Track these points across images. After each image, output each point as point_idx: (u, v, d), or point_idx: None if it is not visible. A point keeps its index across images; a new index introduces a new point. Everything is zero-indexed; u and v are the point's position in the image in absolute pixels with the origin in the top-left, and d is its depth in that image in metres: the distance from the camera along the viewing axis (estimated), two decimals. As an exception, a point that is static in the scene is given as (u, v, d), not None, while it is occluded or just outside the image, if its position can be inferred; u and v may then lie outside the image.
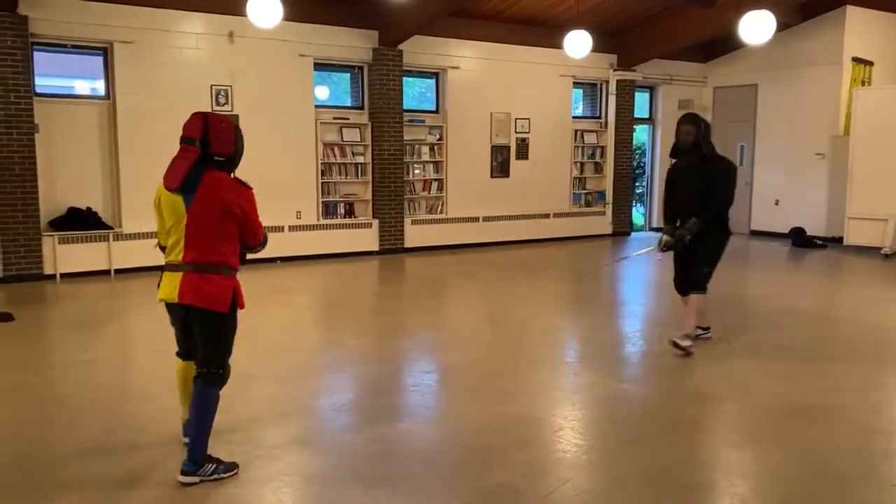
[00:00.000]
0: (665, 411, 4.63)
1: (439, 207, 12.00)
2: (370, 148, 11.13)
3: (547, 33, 12.10)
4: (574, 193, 13.45)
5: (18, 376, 5.26)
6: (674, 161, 6.01)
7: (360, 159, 11.14)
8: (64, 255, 8.99)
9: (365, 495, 3.42)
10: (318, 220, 10.87)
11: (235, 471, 3.58)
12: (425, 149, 11.82)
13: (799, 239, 12.41)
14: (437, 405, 4.86)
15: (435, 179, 11.94)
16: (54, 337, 6.86)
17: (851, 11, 12.28)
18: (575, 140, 13.33)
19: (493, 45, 11.99)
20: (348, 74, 11.43)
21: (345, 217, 11.15)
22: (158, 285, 3.60)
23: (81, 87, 10.09)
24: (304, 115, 10.57)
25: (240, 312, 3.61)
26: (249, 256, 3.77)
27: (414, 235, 11.61)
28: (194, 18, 9.65)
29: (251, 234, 3.58)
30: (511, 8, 11.55)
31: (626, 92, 13.51)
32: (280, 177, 10.04)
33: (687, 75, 14.26)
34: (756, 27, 8.54)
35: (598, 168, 13.71)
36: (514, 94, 12.39)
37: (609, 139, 13.61)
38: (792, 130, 13.13)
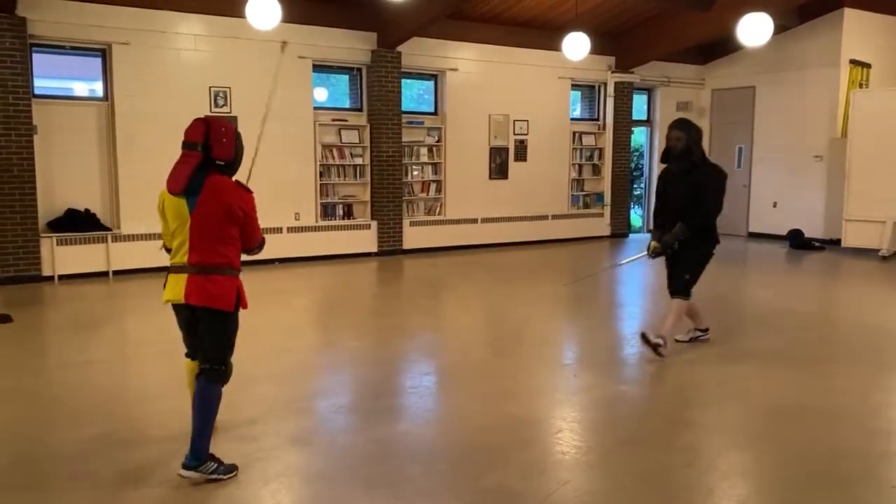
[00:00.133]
0: (664, 413, 4.64)
1: (438, 209, 12.01)
2: (369, 149, 11.14)
3: (545, 35, 12.12)
4: (572, 195, 13.47)
5: (17, 377, 5.26)
6: (665, 166, 5.94)
7: (358, 161, 11.15)
8: (62, 257, 8.98)
9: (364, 496, 3.42)
10: (316, 221, 10.87)
11: (234, 472, 3.59)
12: (424, 150, 11.83)
13: (797, 241, 12.43)
14: (436, 406, 4.86)
15: (433, 181, 11.95)
16: (52, 338, 6.85)
17: (849, 14, 12.31)
18: (573, 142, 13.35)
19: (492, 46, 12.01)
20: (347, 76, 11.44)
21: (343, 218, 11.16)
22: (164, 287, 3.65)
23: (80, 88, 10.09)
24: (303, 117, 10.58)
25: (241, 312, 3.66)
26: (245, 258, 3.81)
27: (412, 237, 11.62)
28: (193, 20, 9.65)
29: (250, 237, 3.67)
30: (509, 10, 11.57)
31: (624, 94, 13.53)
32: (279, 178, 10.04)
33: (685, 77, 14.29)
34: (754, 29, 8.56)
35: (597, 170, 13.72)
36: (513, 96, 12.40)
37: (607, 141, 13.63)
38: (790, 132, 13.16)
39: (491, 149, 12.35)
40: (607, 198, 13.76)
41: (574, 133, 13.36)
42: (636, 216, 15.35)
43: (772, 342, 6.31)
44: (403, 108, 11.41)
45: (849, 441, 4.10)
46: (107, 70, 9.33)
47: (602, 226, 13.75)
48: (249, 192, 3.62)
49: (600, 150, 13.66)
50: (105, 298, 8.39)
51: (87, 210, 9.27)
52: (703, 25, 12.13)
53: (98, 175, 9.42)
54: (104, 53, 9.31)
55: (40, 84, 9.06)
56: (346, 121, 11.16)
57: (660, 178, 5.99)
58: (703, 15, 11.73)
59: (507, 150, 12.51)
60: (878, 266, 10.53)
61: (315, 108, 10.80)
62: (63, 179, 9.13)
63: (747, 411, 4.67)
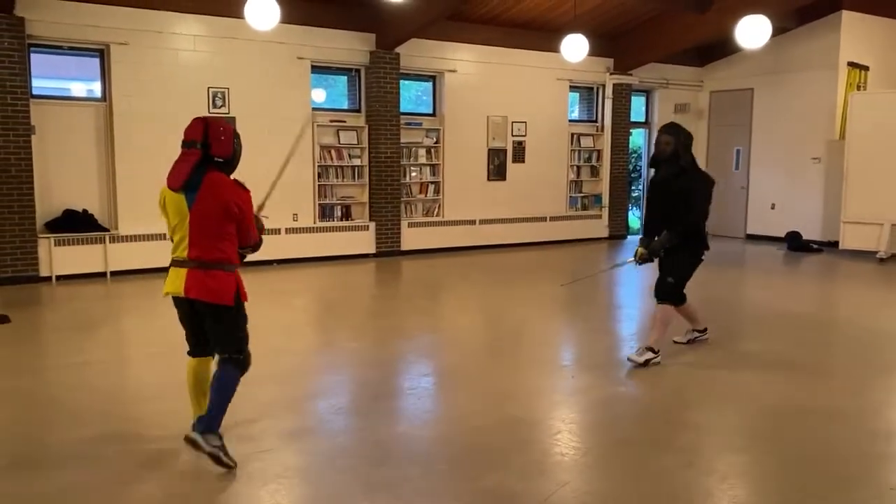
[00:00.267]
0: (663, 414, 4.64)
1: (436, 210, 12.00)
2: (367, 150, 11.14)
3: (544, 37, 12.12)
4: (570, 197, 13.47)
5: (15, 378, 5.24)
6: (654, 172, 5.87)
7: (356, 162, 11.15)
8: (60, 258, 8.96)
9: (363, 497, 3.42)
10: (314, 222, 10.86)
11: (233, 466, 3.60)
12: (422, 152, 11.83)
13: (795, 243, 12.44)
14: (434, 407, 4.85)
15: (432, 182, 11.95)
16: (50, 339, 6.84)
17: (847, 16, 12.33)
18: (571, 143, 13.35)
19: (490, 48, 12.01)
20: (345, 77, 11.44)
21: (341, 220, 11.15)
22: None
23: (78, 88, 10.08)
24: (302, 118, 10.55)
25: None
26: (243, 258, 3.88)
27: (410, 238, 11.61)
28: (191, 20, 9.64)
29: (245, 234, 3.74)
30: (508, 11, 11.57)
31: (622, 96, 13.54)
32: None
33: (683, 79, 14.30)
34: (752, 31, 8.55)
35: (595, 171, 13.73)
36: (511, 98, 12.41)
37: (605, 143, 13.63)
38: (788, 135, 13.17)
39: (489, 150, 12.35)
40: (605, 199, 13.76)
41: (572, 135, 13.36)
42: (634, 218, 15.35)
43: (770, 343, 6.32)
44: (402, 110, 11.40)
45: (848, 442, 4.10)
46: (105, 70, 9.31)
47: (600, 227, 13.75)
48: (246, 190, 3.70)
49: (598, 151, 13.66)
50: (103, 299, 8.38)
51: (84, 210, 9.25)
52: (701, 27, 12.14)
53: (96, 175, 9.40)
54: (102, 54, 9.29)
55: (38, 84, 9.04)
56: (345, 122, 11.15)
57: (650, 184, 5.94)
58: (701, 17, 11.75)
59: (505, 151, 12.51)
60: (876, 268, 10.54)
61: (313, 109, 10.79)
62: (61, 180, 9.11)
63: (746, 412, 4.67)
